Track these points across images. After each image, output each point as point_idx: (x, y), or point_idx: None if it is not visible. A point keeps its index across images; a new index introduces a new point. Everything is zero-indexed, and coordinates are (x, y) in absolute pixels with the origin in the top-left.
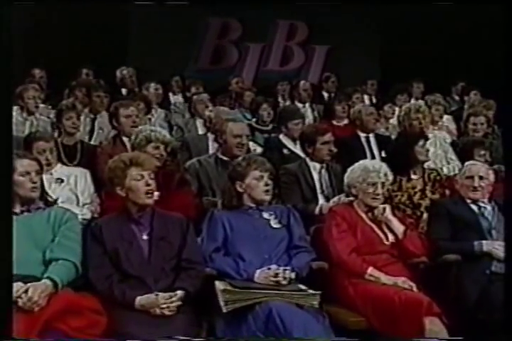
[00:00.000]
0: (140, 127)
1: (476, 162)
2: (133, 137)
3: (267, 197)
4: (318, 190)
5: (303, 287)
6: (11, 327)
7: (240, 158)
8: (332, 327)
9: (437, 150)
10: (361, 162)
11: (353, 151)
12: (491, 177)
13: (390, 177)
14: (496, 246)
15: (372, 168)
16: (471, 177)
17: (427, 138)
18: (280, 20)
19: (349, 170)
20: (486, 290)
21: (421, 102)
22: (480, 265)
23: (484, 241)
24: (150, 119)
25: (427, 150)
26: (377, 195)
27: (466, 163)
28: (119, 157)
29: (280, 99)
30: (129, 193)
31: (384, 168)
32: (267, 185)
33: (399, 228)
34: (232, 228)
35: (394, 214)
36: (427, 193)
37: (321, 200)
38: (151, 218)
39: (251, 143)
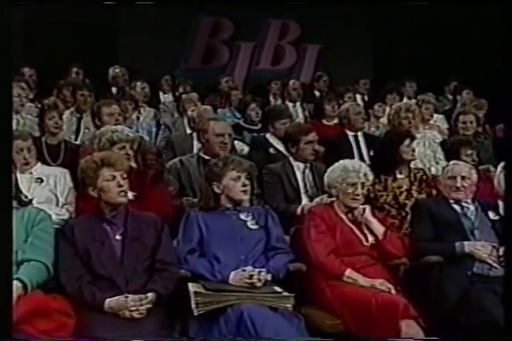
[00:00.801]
0: (102, 129)
1: (459, 162)
2: (96, 141)
3: (245, 198)
4: (302, 190)
5: (278, 289)
6: (11, 327)
7: (216, 159)
8: (308, 330)
9: (426, 150)
10: (341, 162)
11: (340, 151)
12: (474, 177)
13: (371, 177)
14: (478, 247)
15: (351, 167)
16: (454, 178)
17: (413, 138)
18: (272, 19)
19: (329, 170)
20: (467, 292)
21: (411, 101)
22: (461, 266)
23: (466, 242)
24: (138, 118)
25: (413, 150)
26: (357, 195)
27: (449, 163)
28: (90, 157)
29: (272, 99)
30: (101, 194)
31: (364, 167)
32: (244, 185)
33: (379, 229)
34: (208, 229)
35: (374, 215)
36: (413, 193)
37: (305, 200)
38: (124, 218)
39: (239, 143)
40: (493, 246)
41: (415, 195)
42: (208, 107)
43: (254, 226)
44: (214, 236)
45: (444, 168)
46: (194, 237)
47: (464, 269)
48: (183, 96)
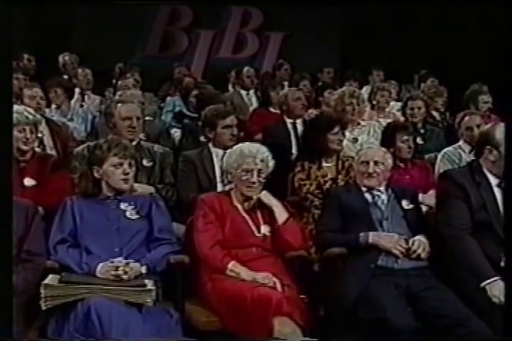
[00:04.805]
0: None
1: (372, 146)
2: None
3: (125, 187)
4: (219, 179)
5: (148, 283)
6: (11, 327)
7: (102, 140)
8: (184, 328)
9: (370, 138)
10: (239, 145)
11: (276, 138)
12: (389, 162)
13: (270, 163)
14: (382, 237)
15: (248, 152)
16: (367, 163)
17: (344, 126)
18: (233, 6)
19: (226, 154)
20: (367, 286)
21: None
22: (365, 258)
23: (371, 233)
24: (82, 106)
25: (340, 139)
26: (253, 183)
27: (363, 147)
28: None
29: (230, 88)
30: None
31: (262, 152)
32: (125, 173)
33: (282, 215)
34: (82, 218)
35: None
36: (339, 182)
37: (220, 189)
38: None
39: (177, 131)
40: (404, 238)
41: (341, 184)
42: (136, 92)
43: (134, 216)
44: (88, 227)
45: (357, 153)
46: (66, 227)
47: (367, 262)
48: (119, 82)
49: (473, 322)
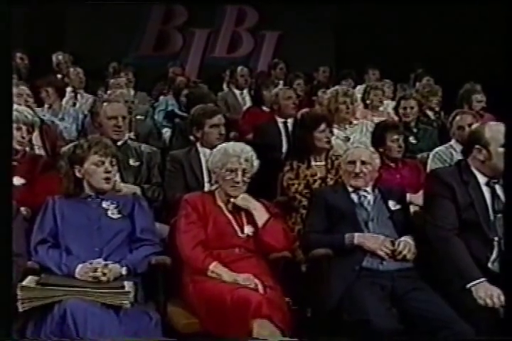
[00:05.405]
0: None
1: (360, 145)
2: None
3: (106, 186)
4: (206, 179)
5: (127, 284)
6: (11, 327)
7: (82, 139)
8: (164, 330)
9: (362, 136)
10: (223, 145)
11: (267, 138)
12: (376, 162)
13: (255, 163)
14: (367, 238)
15: (232, 151)
16: (353, 162)
17: (329, 123)
18: (228, 5)
19: (212, 153)
20: (351, 288)
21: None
22: (350, 260)
23: (356, 234)
24: (74, 104)
25: (328, 137)
26: (237, 183)
27: (350, 147)
28: None
29: (225, 87)
30: None
31: (246, 152)
32: (107, 171)
33: (262, 216)
34: (63, 218)
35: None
36: (329, 181)
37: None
38: None
39: (168, 131)
40: (390, 240)
41: (331, 183)
42: (125, 91)
43: (116, 216)
44: (69, 226)
45: (344, 152)
46: (47, 227)
47: (352, 263)
48: (111, 81)
49: (457, 324)
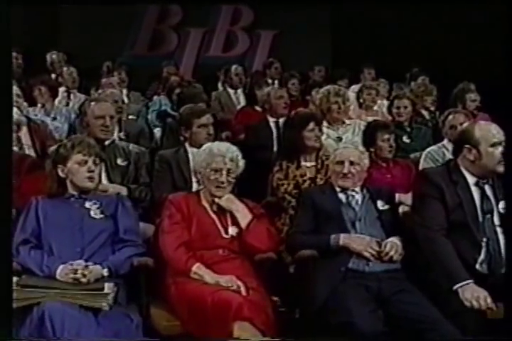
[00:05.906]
0: None
1: (348, 145)
2: None
3: (90, 185)
4: (194, 179)
5: (106, 286)
6: (11, 327)
7: (65, 140)
8: (145, 332)
9: (354, 137)
10: (208, 144)
11: (259, 137)
12: (365, 162)
13: (240, 163)
14: (353, 239)
15: (217, 151)
16: (342, 163)
17: (318, 122)
18: (223, 4)
19: (197, 153)
20: (336, 290)
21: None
22: (336, 261)
23: (342, 234)
24: (68, 104)
25: (317, 136)
26: (222, 183)
27: (339, 147)
28: None
29: (220, 86)
30: None
31: (231, 151)
32: (90, 171)
33: (245, 217)
34: (46, 218)
35: (244, 202)
36: (318, 181)
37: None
38: None
39: (159, 131)
40: (376, 241)
41: (321, 183)
42: (115, 91)
43: (98, 216)
44: (51, 227)
45: (333, 152)
46: (29, 227)
47: (337, 264)
48: (103, 80)
49: (443, 326)
